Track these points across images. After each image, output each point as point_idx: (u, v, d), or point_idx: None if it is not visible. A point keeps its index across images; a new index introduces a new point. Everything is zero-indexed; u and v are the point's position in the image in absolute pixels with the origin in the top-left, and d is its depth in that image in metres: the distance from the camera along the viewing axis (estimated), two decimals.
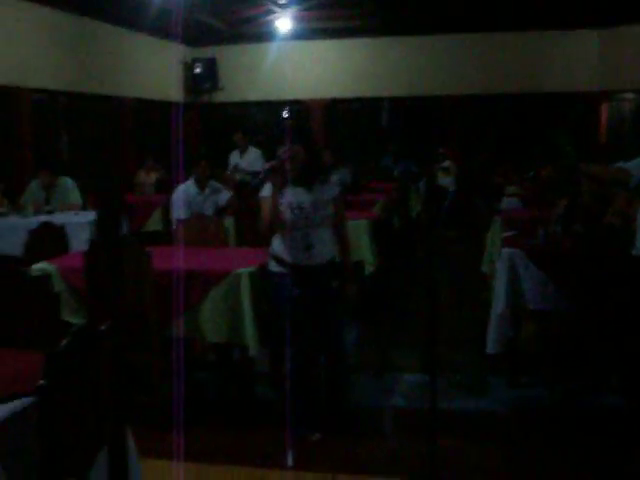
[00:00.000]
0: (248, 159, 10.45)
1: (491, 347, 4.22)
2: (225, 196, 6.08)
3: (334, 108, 12.78)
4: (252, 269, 3.84)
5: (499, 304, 4.19)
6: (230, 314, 3.83)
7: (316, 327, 3.67)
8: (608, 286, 3.84)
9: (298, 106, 12.70)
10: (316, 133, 11.78)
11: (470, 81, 11.86)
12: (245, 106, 13.05)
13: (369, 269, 5.87)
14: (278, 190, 3.45)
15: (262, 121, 13.16)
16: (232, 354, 4.32)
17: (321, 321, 3.67)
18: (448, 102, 12.05)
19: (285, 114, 12.45)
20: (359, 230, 5.75)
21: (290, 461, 3.40)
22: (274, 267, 3.62)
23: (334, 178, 3.80)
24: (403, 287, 6.90)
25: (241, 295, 3.79)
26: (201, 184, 5.98)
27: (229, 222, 5.60)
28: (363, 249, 5.80)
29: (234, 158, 10.31)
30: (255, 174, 7.09)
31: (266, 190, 3.53)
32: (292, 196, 3.56)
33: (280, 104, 12.79)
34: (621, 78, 10.83)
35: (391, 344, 5.32)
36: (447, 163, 11.51)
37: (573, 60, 11.60)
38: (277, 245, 3.61)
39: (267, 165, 3.45)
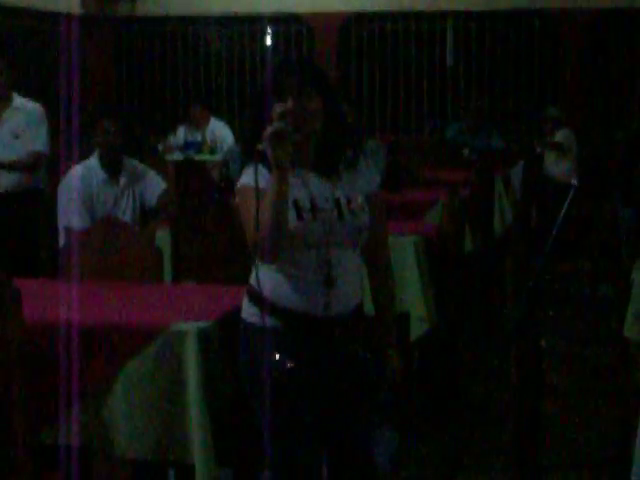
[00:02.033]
0: (211, 137, 10.80)
1: None
2: (156, 187, 6.14)
3: (354, 31, 12.85)
4: (204, 324, 3.86)
5: None
6: (163, 406, 3.84)
7: (325, 431, 3.68)
8: None
9: (291, 26, 12.77)
10: None
11: None
12: (191, 23, 13.13)
13: (419, 328, 5.86)
14: (284, 174, 3.39)
15: (223, 51, 13.22)
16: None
17: (335, 420, 3.69)
18: (566, 21, 12.10)
19: (268, 39, 12.51)
20: (402, 256, 5.77)
21: None
22: (255, 318, 3.61)
23: (368, 159, 3.81)
24: (480, 364, 6.88)
25: (183, 371, 3.80)
26: (112, 164, 6.02)
27: (163, 236, 5.62)
28: (409, 291, 5.81)
29: (181, 137, 10.67)
30: (225, 162, 7.23)
31: (250, 176, 3.48)
32: (300, 188, 3.56)
33: (255, 22, 12.84)
34: None
35: (459, 467, 5.35)
36: (562, 135, 11.53)
37: None
38: (264, 277, 3.58)
39: (270, 129, 3.40)
